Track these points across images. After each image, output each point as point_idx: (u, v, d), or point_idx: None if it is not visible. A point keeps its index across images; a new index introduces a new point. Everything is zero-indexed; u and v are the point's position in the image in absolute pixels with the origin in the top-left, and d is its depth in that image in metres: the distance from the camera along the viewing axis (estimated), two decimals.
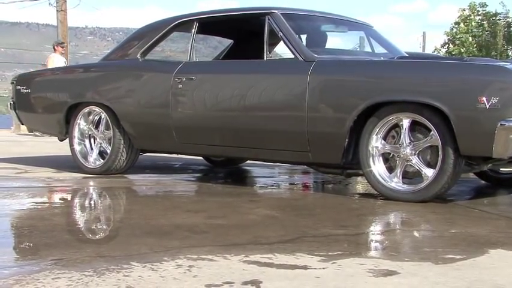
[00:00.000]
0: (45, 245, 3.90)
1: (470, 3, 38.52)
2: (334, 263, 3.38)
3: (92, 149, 7.66)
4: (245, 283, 2.96)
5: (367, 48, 7.33)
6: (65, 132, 7.78)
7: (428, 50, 34.39)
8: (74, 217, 5.16)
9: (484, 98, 5.07)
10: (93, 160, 7.59)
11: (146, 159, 8.70)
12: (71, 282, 2.94)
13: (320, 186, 7.27)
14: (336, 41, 7.95)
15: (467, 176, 7.07)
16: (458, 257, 3.58)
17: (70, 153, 7.68)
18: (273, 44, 6.96)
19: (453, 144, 5.29)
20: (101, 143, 7.58)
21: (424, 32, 39.32)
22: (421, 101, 5.44)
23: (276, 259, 3.43)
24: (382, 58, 6.75)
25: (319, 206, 5.89)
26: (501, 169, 6.85)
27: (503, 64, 5.58)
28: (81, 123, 7.62)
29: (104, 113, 7.43)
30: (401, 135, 5.61)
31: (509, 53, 32.24)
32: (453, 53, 33.97)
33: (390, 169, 5.76)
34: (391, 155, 5.76)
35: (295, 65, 6.26)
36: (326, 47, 7.13)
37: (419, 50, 31.63)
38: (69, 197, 6.18)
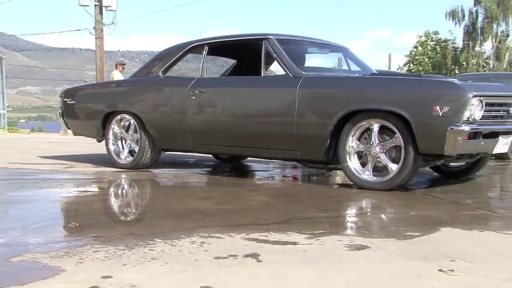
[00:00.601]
0: (87, 225, 3.91)
1: (426, 31, 38.73)
2: (317, 239, 3.38)
3: (123, 148, 7.72)
4: (246, 256, 2.97)
5: (345, 67, 7.35)
6: (102, 135, 7.85)
7: (393, 69, 34.38)
8: (109, 203, 5.16)
9: (438, 107, 5.18)
10: (124, 157, 7.67)
11: (167, 157, 8.69)
12: (107, 254, 2.95)
13: (306, 178, 7.26)
14: (321, 60, 7.99)
15: (424, 170, 7.09)
16: (416, 234, 3.59)
17: (106, 152, 7.68)
18: (269, 63, 6.95)
19: (413, 144, 5.38)
20: (130, 144, 7.64)
21: (389, 54, 39.36)
22: (387, 109, 5.51)
23: (271, 237, 3.44)
24: (356, 75, 6.74)
25: (306, 194, 5.87)
26: (450, 164, 6.92)
27: (452, 80, 5.76)
28: (114, 128, 7.72)
29: (133, 120, 7.52)
30: (372, 137, 5.68)
31: (456, 71, 32.31)
32: (412, 71, 34.01)
33: (363, 164, 5.80)
34: (364, 153, 5.80)
35: (286, 80, 6.26)
36: (312, 66, 7.15)
37: (386, 68, 31.60)
38: (105, 186, 6.16)
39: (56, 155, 9.57)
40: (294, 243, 3.28)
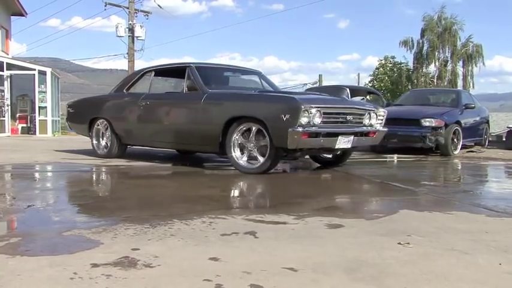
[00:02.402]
0: (119, 208, 3.89)
1: (385, 55, 38.97)
2: (303, 220, 3.36)
3: (101, 142, 8.46)
4: (246, 233, 2.94)
5: (263, 85, 8.04)
6: (89, 133, 8.61)
7: (362, 84, 34.58)
8: (135, 190, 5.11)
9: (282, 115, 5.79)
10: (101, 149, 8.41)
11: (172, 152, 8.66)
12: (136, 231, 2.92)
13: (293, 171, 7.22)
14: (244, 80, 8.68)
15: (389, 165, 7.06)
16: (380, 215, 3.56)
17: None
18: (189, 83, 7.22)
19: (273, 143, 5.99)
20: (105, 139, 8.36)
21: (358, 73, 39.73)
22: (257, 117, 6.10)
23: (266, 218, 3.41)
24: (252, 92, 7.12)
25: (292, 183, 5.86)
26: (323, 155, 7.35)
27: (293, 96, 6.37)
28: (95, 129, 8.49)
29: (107, 123, 8.24)
30: (251, 136, 6.26)
31: (409, 87, 32.51)
32: (375, 87, 34.17)
33: (242, 154, 6.37)
34: (243, 146, 6.35)
35: (196, 95, 6.86)
36: (219, 85, 7.56)
37: (356, 84, 31.83)
38: (134, 178, 6.14)
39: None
40: (284, 223, 3.25)
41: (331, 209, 3.99)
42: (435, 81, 34.46)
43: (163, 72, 8.53)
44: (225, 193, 4.88)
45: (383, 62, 38.68)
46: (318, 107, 5.96)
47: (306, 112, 5.79)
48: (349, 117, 6.42)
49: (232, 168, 6.37)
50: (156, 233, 2.88)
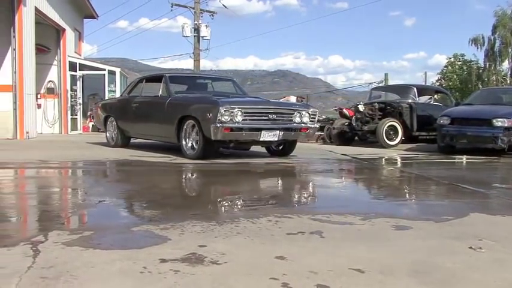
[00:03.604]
0: (185, 206, 3.96)
1: (454, 54, 37.89)
2: (369, 221, 3.30)
3: (111, 135, 10.46)
4: (312, 233, 2.93)
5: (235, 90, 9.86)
6: (104, 128, 10.85)
7: (428, 83, 33.66)
8: (201, 188, 5.19)
9: (207, 114, 7.35)
10: (112, 140, 10.37)
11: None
12: (202, 228, 2.97)
13: (359, 173, 7.11)
14: (223, 87, 10.29)
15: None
16: (450, 217, 3.46)
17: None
18: (162, 89, 9.02)
19: (204, 136, 7.45)
20: (114, 133, 10.33)
21: (425, 72, 38.53)
22: (194, 116, 7.67)
23: (332, 218, 3.37)
24: (212, 96, 8.61)
25: (361, 184, 5.78)
26: (273, 147, 8.69)
27: (216, 98, 7.87)
28: (108, 124, 10.55)
29: (114, 119, 10.33)
30: (193, 130, 7.78)
31: (480, 86, 31.39)
32: (443, 86, 33.24)
33: (188, 143, 7.89)
34: (189, 138, 7.88)
35: (165, 98, 8.63)
36: (192, 90, 9.43)
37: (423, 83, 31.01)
38: (200, 176, 6.24)
39: (162, 148, 9.71)
40: (351, 224, 3.21)
41: (398, 211, 3.91)
42: (508, 79, 33.15)
43: (151, 79, 10.24)
44: (290, 192, 4.87)
45: (452, 60, 37.65)
46: (240, 108, 7.41)
47: (227, 111, 7.25)
48: (272, 116, 7.77)
49: (290, 163, 6.34)
50: (223, 231, 2.91)
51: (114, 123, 10.26)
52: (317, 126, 8.48)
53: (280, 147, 8.70)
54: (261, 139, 7.66)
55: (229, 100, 7.90)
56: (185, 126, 7.86)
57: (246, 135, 7.57)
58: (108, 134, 10.53)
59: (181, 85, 9.64)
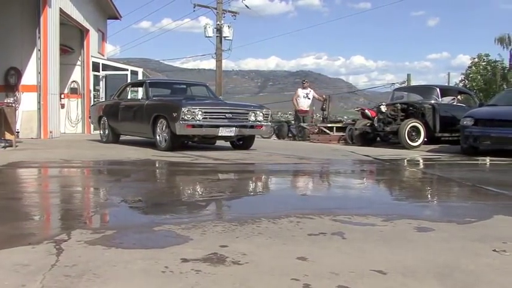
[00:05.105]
0: (208, 204, 3.97)
1: (479, 54, 37.37)
2: (391, 222, 3.27)
3: (103, 132, 12.01)
4: (333, 234, 2.91)
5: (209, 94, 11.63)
6: (99, 126, 12.39)
7: (452, 84, 33.21)
8: (224, 188, 5.19)
9: (173, 113, 8.87)
10: (104, 137, 11.85)
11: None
12: (224, 228, 2.97)
13: (381, 174, 7.06)
14: (197, 91, 11.68)
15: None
16: (473, 219, 3.41)
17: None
18: (144, 92, 10.85)
19: (171, 131, 8.92)
20: (106, 130, 11.80)
21: (448, 72, 38.16)
22: (164, 115, 9.18)
23: (353, 219, 3.35)
24: (179, 97, 10.37)
25: (385, 185, 5.74)
26: (236, 141, 10.04)
27: (180, 100, 9.56)
28: (102, 123, 12.05)
29: (106, 119, 11.75)
30: (164, 127, 9.19)
31: (504, 87, 30.90)
32: (467, 86, 32.81)
33: (161, 138, 9.37)
34: (161, 133, 9.34)
35: (144, 100, 10.20)
36: (172, 94, 10.95)
37: (446, 84, 30.62)
38: (226, 176, 6.25)
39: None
40: (372, 225, 3.19)
41: (420, 212, 3.87)
42: None
43: (135, 85, 12.62)
44: (313, 193, 4.86)
45: (476, 60, 37.18)
46: (200, 108, 8.94)
47: (189, 111, 8.74)
48: (228, 115, 9.25)
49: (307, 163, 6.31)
50: (244, 231, 2.91)
51: (106, 122, 11.78)
52: (269, 124, 10.19)
53: (241, 142, 10.11)
54: (220, 134, 9.19)
55: (192, 102, 9.45)
56: (159, 124, 9.34)
57: (206, 131, 9.15)
58: (101, 132, 12.15)
59: (164, 90, 11.36)
